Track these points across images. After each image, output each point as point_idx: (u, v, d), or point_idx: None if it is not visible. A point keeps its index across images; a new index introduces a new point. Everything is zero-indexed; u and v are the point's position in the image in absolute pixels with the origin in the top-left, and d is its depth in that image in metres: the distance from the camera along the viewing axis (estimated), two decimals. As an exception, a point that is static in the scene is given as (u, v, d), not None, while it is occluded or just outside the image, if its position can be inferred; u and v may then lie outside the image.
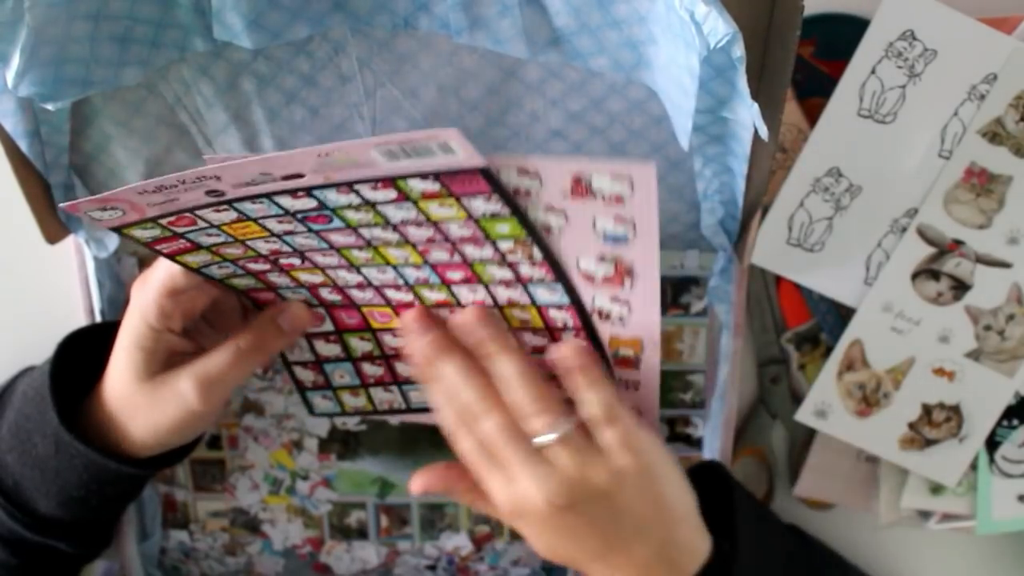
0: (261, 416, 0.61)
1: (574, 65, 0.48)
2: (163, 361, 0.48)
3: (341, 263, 0.45)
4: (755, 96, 0.42)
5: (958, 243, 0.56)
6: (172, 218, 0.41)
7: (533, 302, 0.44)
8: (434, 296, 0.46)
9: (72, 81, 0.46)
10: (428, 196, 0.39)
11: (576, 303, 0.44)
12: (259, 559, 0.64)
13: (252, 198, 0.40)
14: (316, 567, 0.65)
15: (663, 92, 0.47)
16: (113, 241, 0.55)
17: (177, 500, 0.63)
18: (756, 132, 0.42)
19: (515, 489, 0.43)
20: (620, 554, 0.44)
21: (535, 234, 0.40)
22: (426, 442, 0.61)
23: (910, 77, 0.53)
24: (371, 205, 0.40)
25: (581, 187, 0.38)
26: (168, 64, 0.49)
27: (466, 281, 0.44)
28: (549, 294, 0.43)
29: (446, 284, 0.45)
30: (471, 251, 0.42)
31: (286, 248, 0.44)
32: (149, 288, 0.47)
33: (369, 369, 0.52)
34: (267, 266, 0.46)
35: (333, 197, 0.40)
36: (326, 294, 0.48)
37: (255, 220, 0.42)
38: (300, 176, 0.38)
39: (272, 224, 0.42)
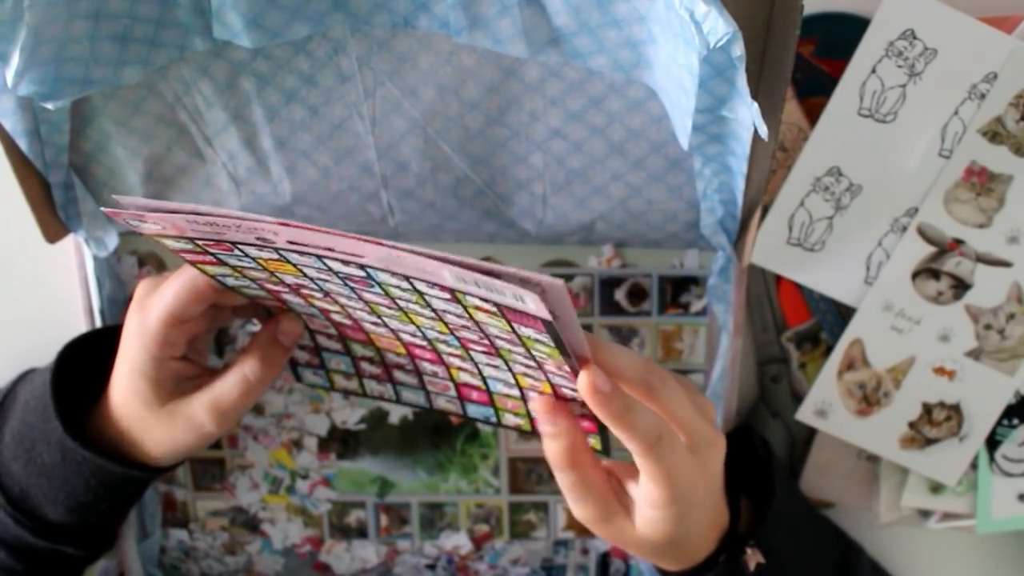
0: (261, 415, 0.61)
1: (573, 64, 0.48)
2: (171, 389, 0.48)
3: (364, 308, 0.44)
4: (755, 95, 0.42)
5: (958, 242, 0.56)
6: (210, 243, 0.40)
7: (548, 381, 0.44)
8: (449, 350, 0.45)
9: (72, 80, 0.46)
10: (481, 310, 0.37)
11: None
12: (259, 558, 0.64)
13: (301, 252, 0.38)
14: (316, 566, 0.65)
15: (662, 91, 0.47)
16: (113, 240, 0.55)
17: (177, 499, 0.63)
18: (756, 131, 0.42)
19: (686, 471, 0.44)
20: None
21: (571, 361, 0.39)
22: (425, 441, 0.61)
23: (910, 76, 0.53)
24: (420, 293, 0.38)
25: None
26: (168, 63, 0.49)
27: (487, 354, 0.43)
28: (565, 383, 0.43)
29: (466, 349, 0.44)
30: (502, 343, 0.41)
31: (313, 286, 0.43)
32: (152, 316, 0.45)
33: (366, 367, 0.52)
34: (285, 289, 0.45)
35: (384, 277, 0.38)
36: (337, 319, 0.47)
37: (295, 264, 0.40)
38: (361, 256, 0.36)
39: (310, 271, 0.41)
